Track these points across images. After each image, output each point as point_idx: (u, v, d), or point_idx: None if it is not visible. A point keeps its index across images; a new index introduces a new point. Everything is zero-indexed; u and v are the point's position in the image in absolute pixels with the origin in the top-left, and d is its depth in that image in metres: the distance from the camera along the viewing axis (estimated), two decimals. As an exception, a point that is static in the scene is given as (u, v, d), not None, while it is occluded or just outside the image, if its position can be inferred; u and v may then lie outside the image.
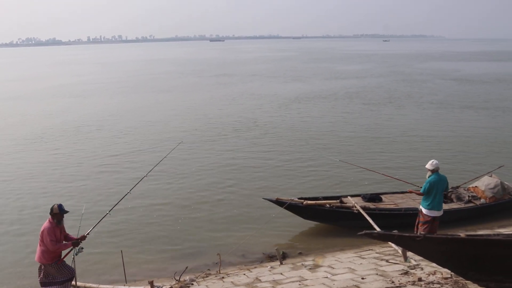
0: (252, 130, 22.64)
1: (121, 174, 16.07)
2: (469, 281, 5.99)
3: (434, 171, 9.36)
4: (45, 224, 7.23)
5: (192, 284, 8.25)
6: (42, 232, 7.15)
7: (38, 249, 7.25)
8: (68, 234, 7.59)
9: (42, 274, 7.31)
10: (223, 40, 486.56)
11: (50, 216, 7.24)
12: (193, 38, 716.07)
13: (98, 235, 11.15)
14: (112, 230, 11.47)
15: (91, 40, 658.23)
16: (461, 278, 6.25)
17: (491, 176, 12.54)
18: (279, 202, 10.90)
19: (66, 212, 7.35)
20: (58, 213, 7.22)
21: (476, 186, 12.24)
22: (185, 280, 8.42)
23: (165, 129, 23.47)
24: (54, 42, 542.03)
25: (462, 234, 5.94)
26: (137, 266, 9.71)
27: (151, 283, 8.00)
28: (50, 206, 7.32)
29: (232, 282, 8.02)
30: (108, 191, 14.24)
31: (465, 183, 12.82)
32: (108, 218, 11.96)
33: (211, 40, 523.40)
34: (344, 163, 14.40)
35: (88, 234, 7.67)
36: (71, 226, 8.94)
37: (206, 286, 8.01)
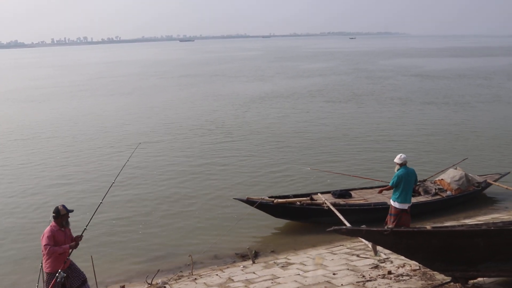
0: (214, 131, 22.36)
1: (81, 182, 15.50)
2: (436, 272, 6.13)
3: (402, 164, 9.59)
4: (46, 229, 6.76)
5: (165, 287, 8.19)
6: (42, 238, 6.71)
7: (42, 254, 6.78)
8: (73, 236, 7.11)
9: (44, 283, 6.85)
10: (193, 40, 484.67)
11: (53, 221, 6.76)
12: (160, 39, 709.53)
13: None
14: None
15: (55, 42, 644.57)
16: (428, 269, 6.40)
17: (456, 168, 12.90)
18: (249, 202, 10.90)
19: (72, 211, 6.97)
20: (65, 213, 6.82)
21: (442, 179, 12.56)
22: (157, 283, 8.35)
23: (124, 133, 22.70)
24: (16, 45, 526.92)
25: (428, 226, 6.11)
26: (108, 271, 9.55)
27: (122, 287, 7.91)
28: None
29: (205, 283, 8.00)
30: (71, 200, 13.80)
31: (432, 176, 13.13)
32: (76, 223, 11.82)
33: (181, 40, 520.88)
34: (313, 169, 14.61)
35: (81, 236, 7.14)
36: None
37: (179, 288, 7.97)
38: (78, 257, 10.07)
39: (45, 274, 6.79)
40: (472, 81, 41.85)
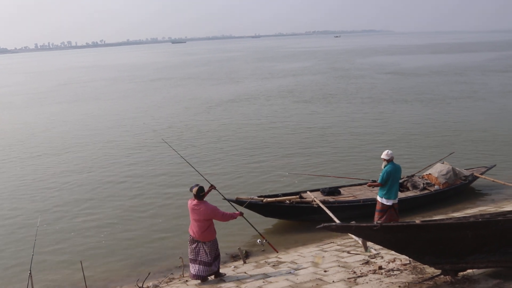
0: (182, 134, 22.09)
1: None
2: (426, 265, 6.17)
3: (389, 160, 9.63)
4: (207, 205, 7.63)
5: (156, 290, 8.14)
6: (210, 212, 7.58)
7: (201, 230, 7.62)
8: None
9: (208, 251, 7.71)
10: (185, 42, 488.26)
11: (201, 197, 7.66)
12: (146, 41, 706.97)
13: (56, 247, 10.88)
14: (70, 241, 11.19)
15: (39, 47, 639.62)
16: (419, 263, 6.43)
17: (443, 163, 13.02)
18: (239, 202, 10.87)
19: None
20: None
21: (429, 174, 12.67)
22: (148, 286, 8.30)
23: (91, 139, 22.31)
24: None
25: (417, 220, 6.14)
26: (99, 275, 9.49)
27: (113, 292, 7.86)
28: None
29: (196, 285, 7.95)
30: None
31: (419, 171, 13.24)
32: (63, 230, 11.77)
33: (173, 42, 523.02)
34: (292, 173, 14.66)
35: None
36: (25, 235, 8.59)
37: (170, 290, 7.92)
38: (67, 262, 10.07)
39: (208, 243, 7.73)
40: (450, 77, 42.08)
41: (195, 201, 7.65)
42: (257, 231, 9.16)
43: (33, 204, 13.84)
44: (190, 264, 7.84)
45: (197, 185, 7.72)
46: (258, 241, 9.17)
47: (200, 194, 7.63)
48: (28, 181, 16.23)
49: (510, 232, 5.47)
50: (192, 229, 7.77)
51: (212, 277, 7.98)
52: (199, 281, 7.90)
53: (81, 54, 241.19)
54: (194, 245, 7.76)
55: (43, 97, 42.16)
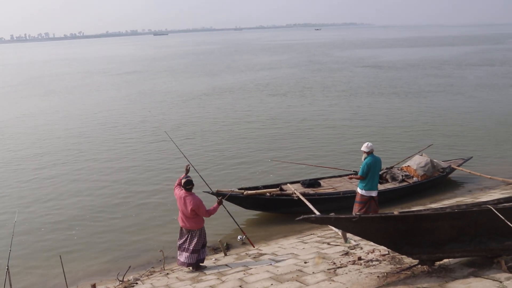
0: (157, 128, 21.69)
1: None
2: (404, 256, 6.27)
3: (370, 153, 9.73)
4: (194, 198, 7.83)
5: (137, 283, 8.10)
6: (195, 205, 7.75)
7: (190, 219, 7.87)
8: None
9: (197, 239, 7.95)
10: (167, 34, 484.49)
11: (188, 189, 7.87)
12: (125, 34, 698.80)
13: (34, 242, 10.76)
14: (49, 237, 11.07)
15: (14, 38, 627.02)
16: (397, 253, 6.53)
17: (421, 155, 13.20)
18: (219, 194, 10.83)
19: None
20: None
21: (408, 166, 12.84)
22: (129, 280, 8.25)
23: (63, 135, 21.81)
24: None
25: (395, 211, 6.22)
26: (79, 270, 9.43)
27: (93, 286, 7.80)
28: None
29: (177, 277, 7.96)
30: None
31: (398, 163, 13.41)
32: (42, 225, 11.63)
33: (155, 34, 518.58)
34: (274, 160, 14.82)
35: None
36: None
37: (151, 284, 7.89)
38: (46, 258, 9.97)
39: (197, 231, 7.99)
40: (427, 71, 42.45)
41: (183, 191, 7.89)
42: (238, 226, 9.35)
43: (10, 200, 13.63)
44: (179, 251, 8.10)
45: (187, 177, 7.95)
46: (238, 237, 9.43)
47: (187, 187, 7.86)
48: (5, 176, 15.98)
49: (485, 222, 5.59)
50: (180, 218, 8.01)
51: (190, 268, 8.14)
52: (188, 268, 8.11)
53: (59, 46, 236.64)
54: (183, 234, 8.04)
55: (13, 90, 41.09)
